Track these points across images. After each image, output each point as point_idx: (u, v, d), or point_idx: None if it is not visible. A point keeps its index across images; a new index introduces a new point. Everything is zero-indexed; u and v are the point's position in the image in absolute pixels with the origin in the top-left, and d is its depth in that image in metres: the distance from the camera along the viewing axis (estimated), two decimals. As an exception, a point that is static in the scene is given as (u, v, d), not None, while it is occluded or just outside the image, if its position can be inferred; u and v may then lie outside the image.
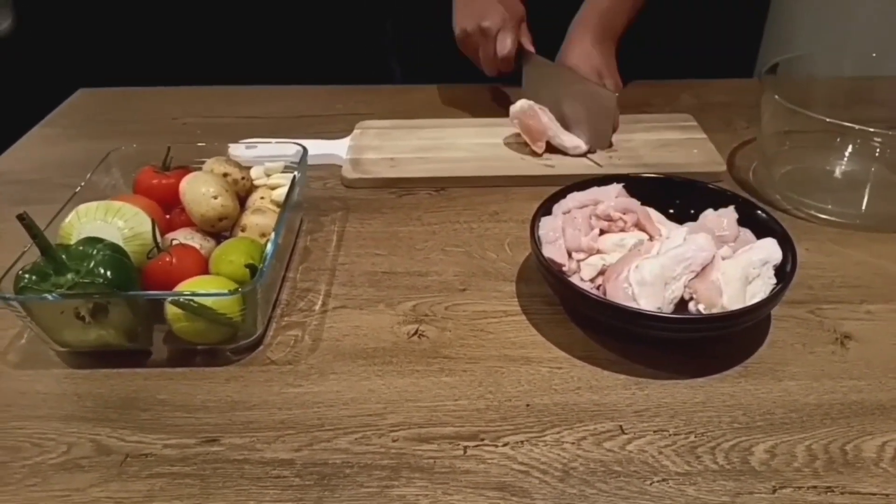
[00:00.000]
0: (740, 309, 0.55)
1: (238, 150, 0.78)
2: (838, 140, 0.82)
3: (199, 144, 0.77)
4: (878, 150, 0.81)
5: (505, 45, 0.88)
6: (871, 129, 0.74)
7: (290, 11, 1.88)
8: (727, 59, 1.09)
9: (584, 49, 0.89)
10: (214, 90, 1.08)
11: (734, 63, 1.11)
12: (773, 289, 0.57)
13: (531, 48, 0.92)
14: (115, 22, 1.89)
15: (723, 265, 0.57)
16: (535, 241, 0.62)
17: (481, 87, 1.03)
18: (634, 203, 0.64)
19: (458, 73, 1.04)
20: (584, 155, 0.84)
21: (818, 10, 1.66)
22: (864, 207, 0.78)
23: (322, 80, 1.09)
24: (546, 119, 0.84)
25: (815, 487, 0.48)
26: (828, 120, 0.71)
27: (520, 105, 0.84)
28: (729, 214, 0.63)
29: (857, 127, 0.71)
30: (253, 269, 0.59)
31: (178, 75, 1.11)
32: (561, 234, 0.62)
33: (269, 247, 0.60)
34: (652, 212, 0.66)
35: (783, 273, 0.59)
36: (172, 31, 1.89)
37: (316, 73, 1.14)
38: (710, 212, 0.64)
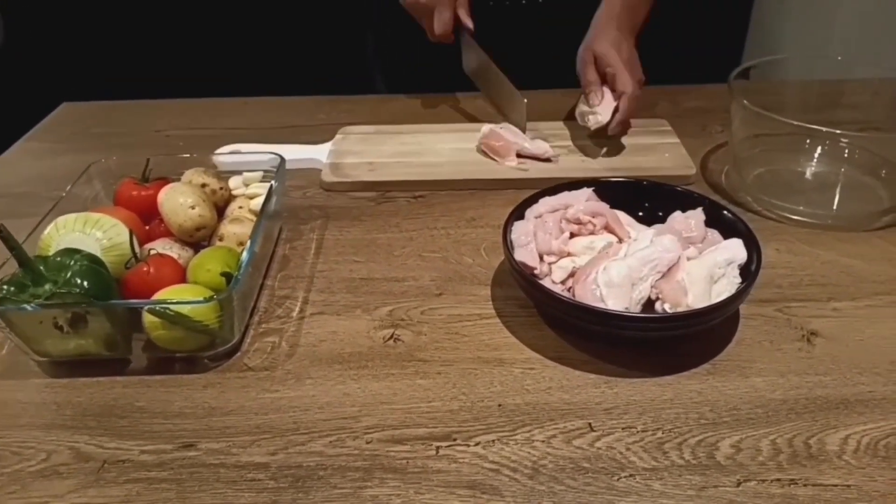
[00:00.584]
0: (704, 307, 0.56)
1: (221, 159, 0.79)
2: (808, 142, 0.84)
3: (181, 156, 0.79)
4: (846, 151, 0.83)
5: (441, 21, 0.91)
6: (839, 131, 0.76)
7: (273, 24, 1.89)
8: (711, 65, 1.11)
9: (612, 37, 0.88)
10: (198, 102, 1.10)
11: (718, 69, 1.13)
12: (738, 288, 0.58)
13: (469, 23, 0.93)
14: (101, 36, 1.90)
15: (688, 265, 0.59)
16: (508, 246, 0.63)
17: (463, 96, 1.04)
18: (604, 207, 0.65)
19: (439, 83, 1.06)
20: (547, 160, 0.86)
21: (801, 15, 1.68)
22: (834, 207, 0.79)
23: (305, 92, 1.10)
24: (510, 136, 0.87)
25: (778, 480, 0.49)
26: (795, 123, 0.72)
27: (482, 132, 0.87)
28: (696, 216, 0.65)
29: (824, 129, 0.72)
30: (228, 277, 0.60)
31: (164, 88, 1.12)
32: (532, 238, 0.63)
33: (245, 255, 0.61)
34: (621, 215, 0.67)
35: (749, 273, 0.60)
36: (159, 44, 1.90)
37: (299, 84, 1.15)
38: (677, 214, 0.66)
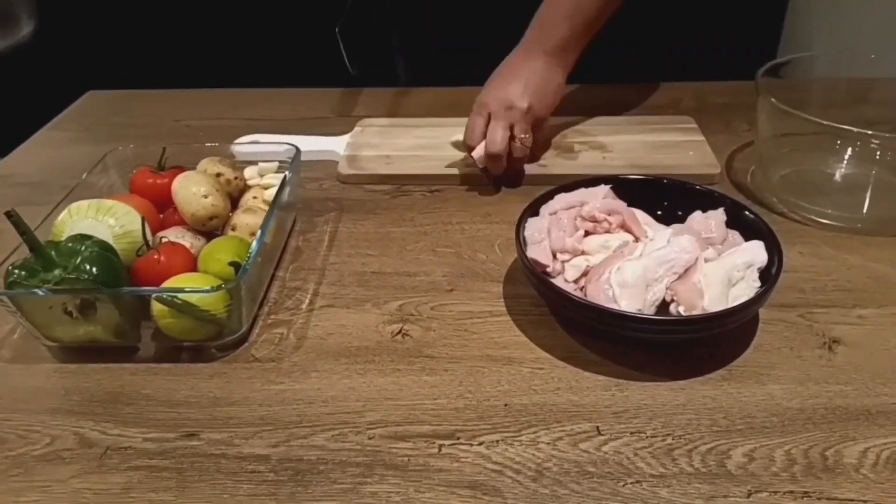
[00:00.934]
0: (720, 311, 0.54)
1: (238, 149, 0.79)
2: (838, 143, 0.81)
3: (197, 145, 0.79)
4: (878, 152, 0.80)
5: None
6: (870, 132, 0.73)
7: (299, 15, 1.90)
8: (744, 62, 1.08)
9: (504, 79, 0.80)
10: (219, 93, 1.10)
11: (752, 65, 1.10)
12: (757, 291, 0.56)
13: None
14: (129, 26, 1.92)
15: (706, 267, 0.57)
16: (520, 242, 0.62)
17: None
18: (620, 204, 0.64)
19: (462, 77, 1.04)
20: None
21: (838, 10, 1.63)
22: (864, 211, 0.76)
23: (329, 84, 1.10)
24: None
25: (791, 492, 0.48)
26: (823, 122, 0.70)
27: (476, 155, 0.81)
28: (717, 216, 0.63)
29: (854, 129, 0.70)
30: (237, 266, 0.60)
31: (190, 78, 1.12)
32: (546, 235, 0.62)
33: (254, 245, 0.60)
34: (639, 213, 0.65)
35: (770, 276, 0.58)
36: (187, 35, 1.91)
37: (322, 75, 1.15)
38: (697, 214, 0.64)
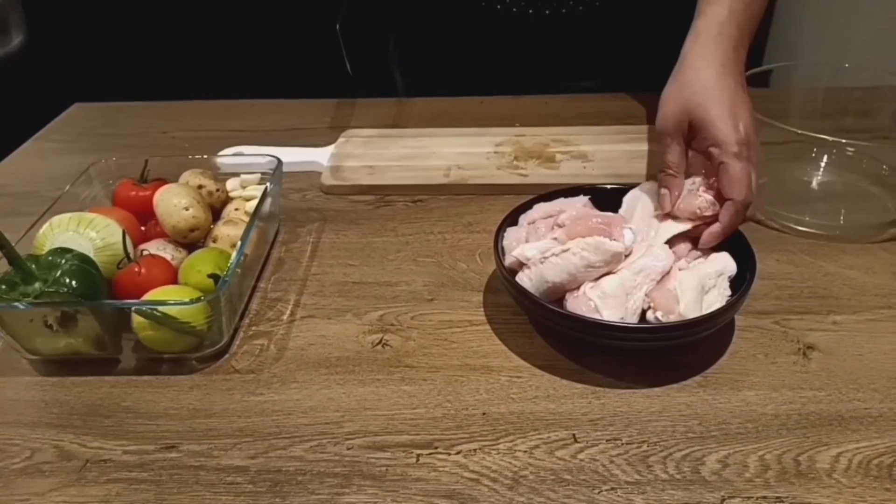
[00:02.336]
0: (696, 317, 0.55)
1: (222, 161, 0.80)
2: (814, 151, 0.82)
3: (181, 157, 0.79)
4: (853, 160, 0.81)
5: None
6: (844, 141, 0.74)
7: (288, 27, 1.91)
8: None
9: (726, 89, 0.61)
10: (206, 104, 1.10)
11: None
12: (731, 298, 0.57)
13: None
14: (118, 38, 1.93)
15: (679, 275, 0.57)
16: (498, 251, 0.63)
17: (471, 100, 1.04)
18: (595, 214, 0.64)
19: (460, 87, 1.05)
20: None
21: (822, 21, 1.65)
22: (841, 219, 0.77)
23: (323, 94, 1.10)
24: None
25: (764, 497, 0.48)
26: (798, 132, 0.71)
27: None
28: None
29: (829, 138, 0.71)
30: (216, 278, 0.60)
31: (178, 90, 1.12)
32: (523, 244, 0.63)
33: (234, 256, 0.61)
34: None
35: (743, 283, 0.58)
36: (175, 47, 1.92)
37: (311, 86, 1.15)
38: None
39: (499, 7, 1.01)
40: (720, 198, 0.61)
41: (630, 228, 0.61)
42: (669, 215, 0.63)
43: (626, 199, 0.66)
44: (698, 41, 0.64)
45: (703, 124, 0.61)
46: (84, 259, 0.59)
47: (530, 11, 1.00)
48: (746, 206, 0.60)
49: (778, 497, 0.48)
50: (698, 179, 0.63)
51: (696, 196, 0.61)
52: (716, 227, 0.61)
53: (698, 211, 0.61)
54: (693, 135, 0.63)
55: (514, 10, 1.01)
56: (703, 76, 0.62)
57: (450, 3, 1.02)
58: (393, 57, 1.19)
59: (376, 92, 1.12)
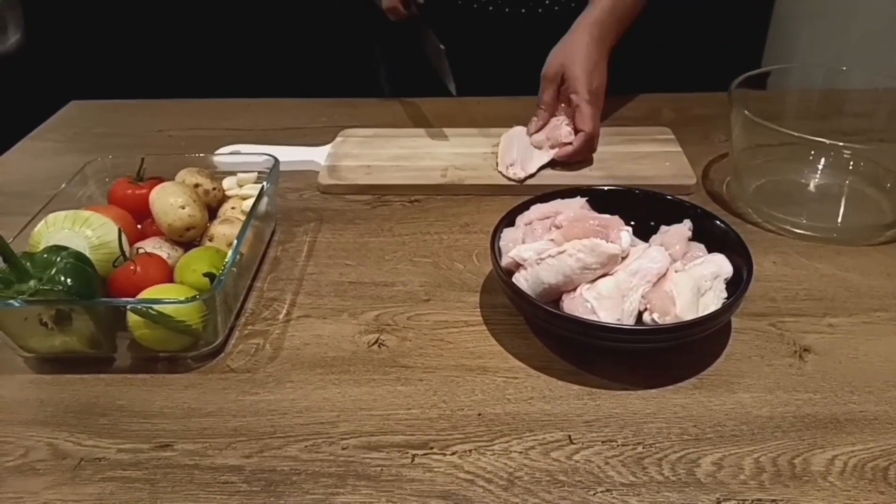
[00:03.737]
0: (694, 319, 0.55)
1: (219, 160, 0.80)
2: (811, 153, 0.82)
3: (177, 156, 0.79)
4: (851, 162, 0.81)
5: None
6: (841, 143, 0.74)
7: (284, 28, 1.91)
8: (728, 74, 1.09)
9: (589, 57, 0.85)
10: (203, 103, 1.10)
11: (736, 76, 1.11)
12: (728, 300, 0.57)
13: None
14: (115, 37, 1.93)
15: (675, 277, 0.57)
16: (495, 252, 0.62)
17: (466, 100, 1.04)
18: (592, 215, 0.64)
19: (444, 90, 1.05)
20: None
21: (820, 23, 1.65)
22: (838, 221, 0.77)
23: (310, 94, 1.10)
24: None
25: (759, 500, 0.48)
26: (794, 133, 0.71)
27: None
28: (680, 230, 0.64)
29: (826, 141, 0.71)
30: (212, 277, 0.60)
31: (174, 89, 1.12)
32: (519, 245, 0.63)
33: (230, 255, 0.61)
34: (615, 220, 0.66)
35: (739, 285, 0.58)
36: (172, 46, 1.92)
37: (304, 87, 1.15)
38: (664, 228, 0.65)
39: (490, 8, 1.01)
40: (576, 131, 0.85)
41: (627, 230, 0.61)
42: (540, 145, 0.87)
43: (504, 137, 0.90)
44: (585, 19, 0.88)
45: (570, 78, 0.85)
46: (79, 257, 0.59)
47: (522, 11, 1.00)
48: (592, 136, 0.84)
49: (773, 499, 0.48)
50: (562, 117, 0.87)
51: (560, 128, 0.86)
52: (569, 148, 0.85)
53: (561, 138, 0.85)
54: (563, 84, 0.87)
55: (507, 10, 1.01)
56: (579, 46, 0.86)
57: (442, 5, 1.02)
58: (378, 59, 1.20)
59: (364, 93, 1.12)
